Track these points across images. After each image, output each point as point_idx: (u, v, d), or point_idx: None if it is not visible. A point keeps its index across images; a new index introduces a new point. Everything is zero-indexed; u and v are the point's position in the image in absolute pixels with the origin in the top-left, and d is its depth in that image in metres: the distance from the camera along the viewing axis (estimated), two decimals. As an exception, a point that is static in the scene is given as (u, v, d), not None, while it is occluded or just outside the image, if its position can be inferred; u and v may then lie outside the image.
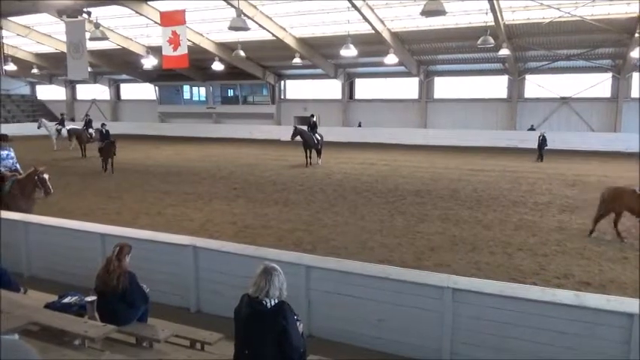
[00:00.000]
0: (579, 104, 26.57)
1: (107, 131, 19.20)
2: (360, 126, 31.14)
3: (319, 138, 20.19)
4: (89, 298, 4.96)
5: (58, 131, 26.49)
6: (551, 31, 21.60)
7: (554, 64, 25.93)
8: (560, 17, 19.91)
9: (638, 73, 24.65)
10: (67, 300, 5.14)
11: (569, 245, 9.14)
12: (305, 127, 20.43)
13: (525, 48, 24.44)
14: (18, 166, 9.69)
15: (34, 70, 34.90)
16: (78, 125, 27.05)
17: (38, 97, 44.27)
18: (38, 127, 27.52)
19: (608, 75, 25.75)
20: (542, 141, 21.64)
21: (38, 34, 28.83)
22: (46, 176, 8.97)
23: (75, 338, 4.36)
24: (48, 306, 5.01)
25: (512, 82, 27.56)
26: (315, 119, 20.96)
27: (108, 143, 18.23)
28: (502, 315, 4.79)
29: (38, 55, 33.43)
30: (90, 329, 4.32)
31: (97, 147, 18.70)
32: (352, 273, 5.49)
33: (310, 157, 19.94)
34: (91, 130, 23.88)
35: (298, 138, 19.91)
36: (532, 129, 26.04)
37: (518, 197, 13.56)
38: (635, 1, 18.56)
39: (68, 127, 26.13)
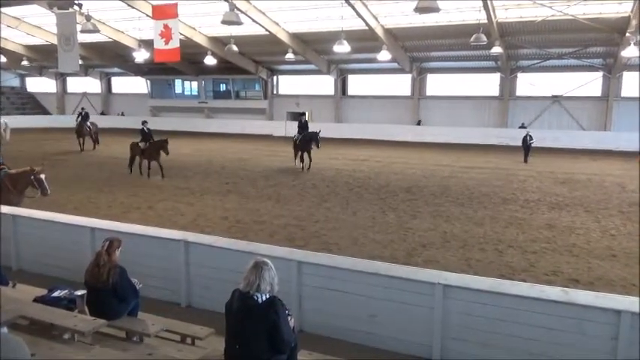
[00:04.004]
0: (570, 103, 26.72)
1: (149, 129, 16.90)
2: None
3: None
4: (79, 292, 4.94)
5: None
6: (544, 29, 21.70)
7: (545, 62, 26.05)
8: (552, 16, 20.01)
9: (629, 72, 24.82)
10: (56, 294, 5.11)
11: (558, 242, 9.22)
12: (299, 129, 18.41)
13: (517, 46, 24.53)
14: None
15: (24, 62, 34.45)
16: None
17: (28, 90, 43.77)
18: None
19: (599, 74, 25.91)
20: (531, 141, 21.45)
21: (28, 25, 28.42)
22: (42, 177, 8.85)
23: (64, 332, 4.33)
24: (37, 300, 4.97)
25: (504, 80, 27.65)
26: (305, 119, 19.28)
27: (157, 142, 16.08)
28: (492, 311, 4.83)
29: (28, 47, 33.01)
30: (79, 323, 4.30)
31: (140, 148, 16.41)
32: (343, 269, 5.50)
33: (302, 160, 17.89)
34: (88, 124, 23.77)
35: (298, 134, 18.19)
36: (523, 127, 26.17)
37: (509, 194, 13.64)
38: (626, 0, 18.71)
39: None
